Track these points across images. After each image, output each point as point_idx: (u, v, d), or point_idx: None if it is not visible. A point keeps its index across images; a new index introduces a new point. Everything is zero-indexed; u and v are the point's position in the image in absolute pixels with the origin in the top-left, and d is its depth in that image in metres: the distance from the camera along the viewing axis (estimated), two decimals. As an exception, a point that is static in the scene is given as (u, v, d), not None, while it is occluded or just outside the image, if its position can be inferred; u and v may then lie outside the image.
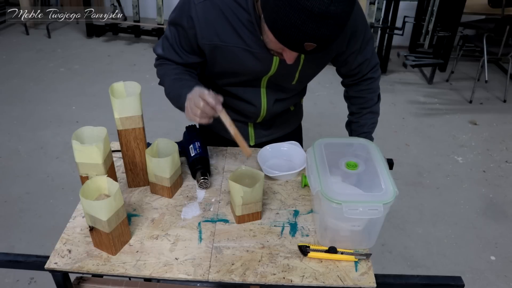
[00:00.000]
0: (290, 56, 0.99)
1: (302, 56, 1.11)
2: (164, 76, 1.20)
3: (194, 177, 1.21)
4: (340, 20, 0.86)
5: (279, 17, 0.87)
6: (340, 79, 1.35)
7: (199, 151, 1.23)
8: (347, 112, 1.39)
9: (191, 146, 1.24)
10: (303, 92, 1.41)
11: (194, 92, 1.06)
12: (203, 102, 1.03)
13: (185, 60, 1.18)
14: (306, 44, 0.88)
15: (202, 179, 1.17)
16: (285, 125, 1.43)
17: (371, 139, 1.33)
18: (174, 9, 1.12)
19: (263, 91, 1.24)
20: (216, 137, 1.45)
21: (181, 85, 1.14)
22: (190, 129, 1.30)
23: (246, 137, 1.40)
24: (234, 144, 1.42)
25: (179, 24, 1.11)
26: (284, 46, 0.93)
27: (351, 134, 1.37)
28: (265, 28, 0.95)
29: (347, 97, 1.37)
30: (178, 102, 1.13)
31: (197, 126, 1.31)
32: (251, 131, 1.38)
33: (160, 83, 1.23)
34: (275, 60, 1.12)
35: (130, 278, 1.03)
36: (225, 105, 1.32)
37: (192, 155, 1.22)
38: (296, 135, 1.49)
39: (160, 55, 1.21)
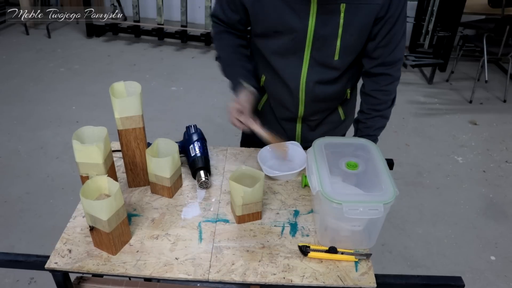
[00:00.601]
0: None
1: (342, 16, 1.10)
2: (221, 54, 1.31)
3: (194, 177, 1.21)
4: None
5: None
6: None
7: (200, 151, 1.22)
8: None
9: (191, 146, 1.24)
10: (348, 83, 1.31)
11: (234, 99, 1.20)
12: (233, 119, 1.19)
13: (230, 19, 1.25)
14: None
15: (203, 179, 1.17)
16: (331, 132, 1.41)
17: (376, 141, 1.31)
18: None
19: (304, 69, 1.22)
20: (255, 137, 1.45)
21: (232, 75, 1.26)
22: (190, 129, 1.30)
23: (292, 138, 1.40)
24: (234, 144, 1.42)
25: None
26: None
27: (356, 132, 1.35)
28: None
29: (363, 93, 1.33)
30: (231, 88, 1.26)
31: (197, 126, 1.31)
32: (297, 131, 1.39)
33: (216, 59, 1.33)
34: (312, 13, 1.11)
35: (130, 278, 1.03)
36: (275, 104, 1.37)
37: (192, 155, 1.22)
38: None
39: (214, 14, 1.29)
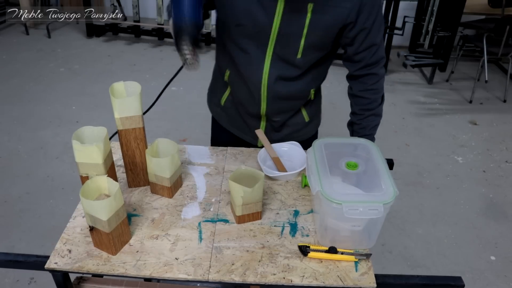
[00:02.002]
0: None
1: (308, 15, 1.10)
2: None
3: (178, 49, 0.95)
4: None
5: None
6: (341, 79, 1.33)
7: (189, 10, 0.93)
8: (348, 112, 1.37)
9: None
10: (311, 83, 1.29)
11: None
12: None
13: None
14: None
15: (187, 54, 0.91)
16: (296, 134, 1.40)
17: (373, 140, 1.32)
18: None
19: (266, 64, 1.21)
20: (224, 132, 1.45)
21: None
22: None
23: (255, 136, 1.39)
24: (241, 141, 1.42)
25: None
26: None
27: (353, 134, 1.36)
28: None
29: (351, 95, 1.33)
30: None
31: None
32: (262, 129, 1.38)
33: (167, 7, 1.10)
34: (279, 10, 1.10)
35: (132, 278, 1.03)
36: (238, 102, 1.34)
37: (176, 15, 0.91)
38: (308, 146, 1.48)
39: None
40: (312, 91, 1.32)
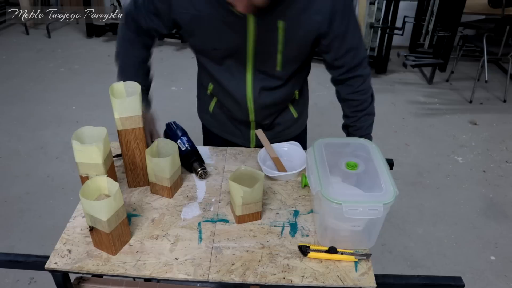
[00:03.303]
0: (240, 3, 0.98)
1: (281, 32, 1.10)
2: (122, 59, 1.29)
3: (190, 170, 1.24)
4: None
5: None
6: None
7: (188, 144, 1.25)
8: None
9: (179, 141, 1.25)
10: (294, 84, 1.31)
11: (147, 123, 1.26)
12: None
13: (146, 23, 1.18)
14: None
15: (201, 169, 1.20)
16: (287, 131, 1.41)
17: (370, 138, 1.32)
18: None
19: (248, 78, 1.22)
20: (215, 138, 1.45)
21: (126, 72, 1.27)
22: (172, 126, 1.31)
23: (247, 139, 1.40)
24: (234, 144, 1.43)
25: None
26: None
27: (349, 136, 1.36)
28: None
29: (340, 99, 1.32)
30: (119, 78, 1.25)
31: (177, 123, 1.32)
32: (252, 133, 1.38)
33: (115, 57, 1.29)
34: (250, 30, 1.10)
35: (134, 278, 1.03)
36: (225, 107, 1.33)
37: (183, 149, 1.23)
38: (300, 140, 1.48)
39: (128, 11, 1.20)
40: (296, 92, 1.34)
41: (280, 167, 1.25)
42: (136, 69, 1.29)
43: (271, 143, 1.31)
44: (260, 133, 1.31)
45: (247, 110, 1.29)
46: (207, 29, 1.12)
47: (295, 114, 1.39)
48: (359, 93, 1.26)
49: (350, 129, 1.33)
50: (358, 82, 1.25)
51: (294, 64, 1.23)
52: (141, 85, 1.10)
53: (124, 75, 1.26)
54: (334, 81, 1.30)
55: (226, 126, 1.41)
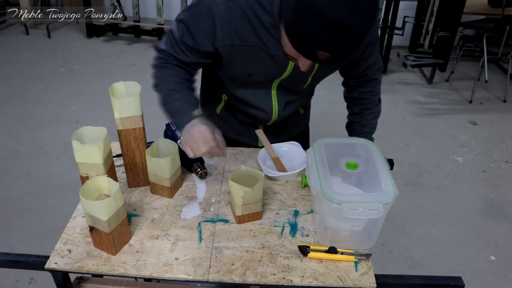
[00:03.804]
0: (304, 64, 0.98)
1: (316, 65, 1.12)
2: (161, 83, 1.15)
3: (190, 170, 1.24)
4: (357, 33, 0.84)
5: (296, 22, 0.86)
6: (341, 79, 1.35)
7: None
8: (347, 112, 1.39)
9: (179, 141, 1.21)
10: (311, 92, 1.40)
11: (198, 127, 1.06)
12: (211, 146, 1.05)
13: (190, 59, 1.13)
14: (320, 53, 0.87)
15: (201, 169, 1.20)
16: (294, 128, 1.43)
17: (371, 139, 1.33)
18: (188, 8, 1.09)
19: (273, 94, 1.23)
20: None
21: (180, 101, 1.11)
22: (171, 126, 1.28)
23: (255, 138, 1.40)
24: (234, 144, 1.42)
25: (192, 23, 1.08)
26: (297, 52, 0.92)
27: (352, 134, 1.37)
28: (283, 31, 0.94)
29: (348, 98, 1.36)
30: (174, 118, 1.13)
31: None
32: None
33: (155, 87, 1.16)
34: (291, 64, 1.11)
35: (136, 278, 1.03)
36: (237, 111, 1.32)
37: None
38: (303, 138, 1.50)
39: (164, 49, 1.14)
40: (311, 98, 1.42)
41: (280, 167, 1.25)
42: (181, 84, 1.16)
43: (278, 141, 1.33)
44: (260, 133, 1.31)
45: (271, 119, 1.30)
46: (247, 57, 1.10)
47: (301, 111, 1.43)
48: (371, 93, 1.31)
49: (354, 125, 1.36)
50: (372, 84, 1.30)
51: (320, 80, 1.26)
52: (195, 100, 1.12)
53: (171, 93, 1.14)
54: (348, 85, 1.34)
55: (234, 127, 1.40)
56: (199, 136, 1.05)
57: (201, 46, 1.09)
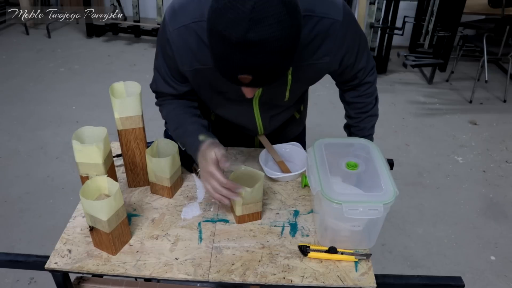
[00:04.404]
0: (246, 91, 0.93)
1: (289, 77, 1.07)
2: (167, 121, 1.19)
3: (190, 170, 1.24)
4: (268, 47, 0.76)
5: (212, 49, 0.82)
6: None
7: None
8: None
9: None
10: (299, 102, 1.34)
11: (204, 164, 1.02)
12: (213, 183, 1.00)
13: (179, 91, 1.13)
14: (241, 76, 0.82)
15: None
16: (290, 132, 1.41)
17: (372, 139, 1.32)
18: (157, 39, 1.09)
19: (256, 110, 1.20)
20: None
21: (184, 135, 1.12)
22: None
23: (252, 144, 1.39)
24: (234, 144, 1.42)
25: (164, 53, 1.07)
26: (224, 78, 0.87)
27: (351, 136, 1.36)
28: None
29: (344, 101, 1.32)
30: (187, 151, 1.14)
31: None
32: (256, 139, 1.38)
33: (165, 125, 1.24)
34: None
35: (136, 279, 1.03)
36: (227, 127, 1.33)
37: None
38: (300, 139, 1.48)
39: (154, 90, 1.17)
40: (302, 105, 1.38)
41: (285, 169, 1.24)
42: (185, 113, 1.16)
43: (273, 144, 1.32)
44: (263, 139, 1.31)
45: (257, 131, 1.29)
46: (213, 79, 1.06)
47: (297, 115, 1.41)
48: (365, 96, 1.26)
49: (352, 129, 1.33)
50: (365, 87, 1.25)
51: (301, 92, 1.24)
52: (197, 123, 1.12)
53: (178, 125, 1.15)
54: (341, 89, 1.31)
55: (230, 139, 1.38)
56: (204, 176, 1.03)
57: (177, 73, 1.09)
